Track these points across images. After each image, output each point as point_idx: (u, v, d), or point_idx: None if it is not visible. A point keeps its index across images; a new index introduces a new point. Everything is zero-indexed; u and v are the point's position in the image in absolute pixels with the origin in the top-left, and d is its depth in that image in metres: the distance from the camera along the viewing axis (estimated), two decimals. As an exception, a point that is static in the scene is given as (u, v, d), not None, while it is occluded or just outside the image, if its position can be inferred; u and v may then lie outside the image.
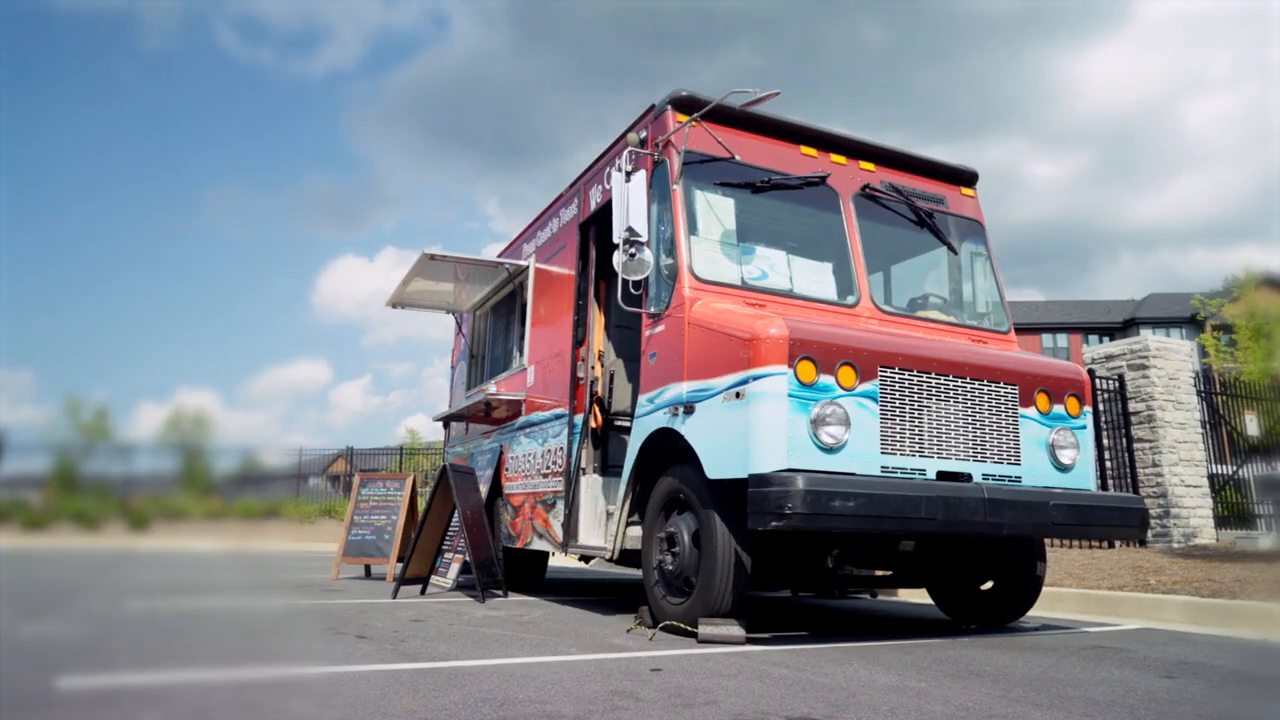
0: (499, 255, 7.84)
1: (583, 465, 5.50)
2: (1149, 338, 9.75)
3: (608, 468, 5.56)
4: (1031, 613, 5.04)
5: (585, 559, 6.38)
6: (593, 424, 5.51)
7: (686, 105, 4.71)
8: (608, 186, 5.18)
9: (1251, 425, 10.75)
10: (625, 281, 4.60)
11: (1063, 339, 40.43)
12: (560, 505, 5.60)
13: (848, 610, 6.14)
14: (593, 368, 5.57)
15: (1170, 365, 9.61)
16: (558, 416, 5.87)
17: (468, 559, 6.59)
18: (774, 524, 3.51)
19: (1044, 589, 4.98)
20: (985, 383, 4.27)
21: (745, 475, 3.72)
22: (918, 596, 6.84)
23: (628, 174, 4.47)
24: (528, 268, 6.88)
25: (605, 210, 5.20)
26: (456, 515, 6.35)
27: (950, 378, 4.17)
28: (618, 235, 4.40)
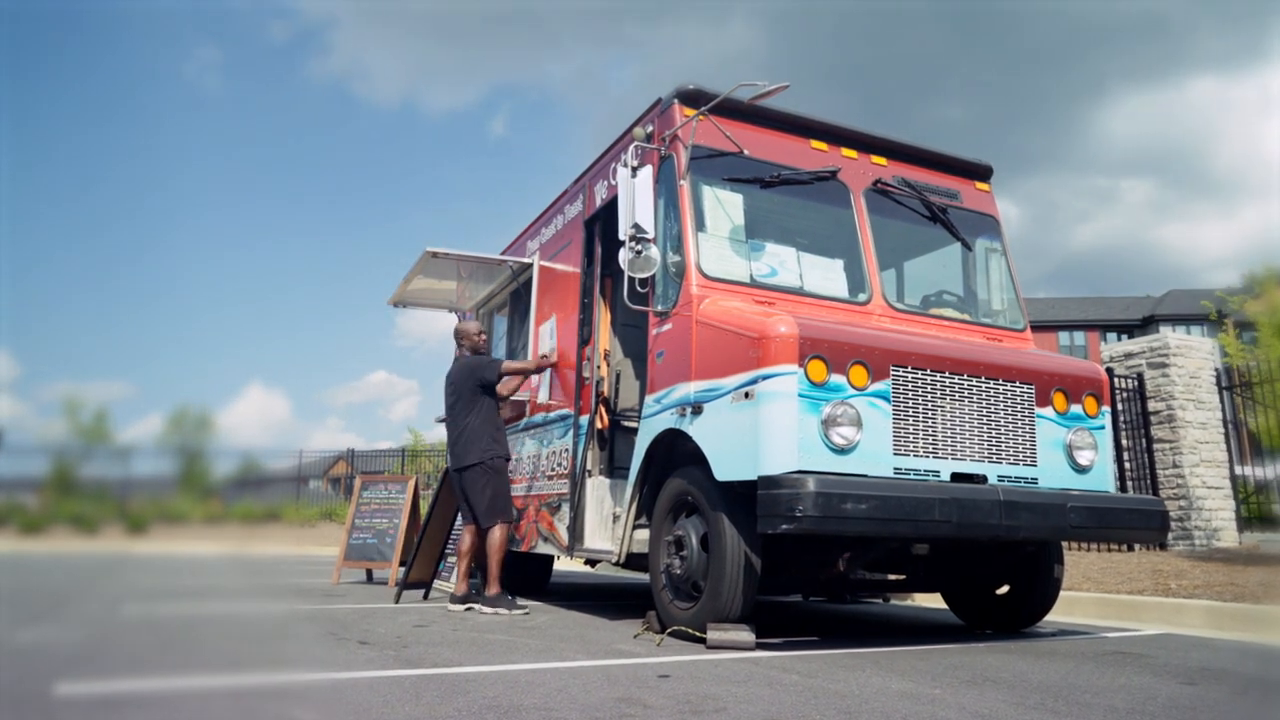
0: (502, 252, 7.78)
1: (588, 467, 5.44)
2: (1169, 335, 9.59)
3: (614, 469, 5.49)
4: (1049, 617, 4.96)
5: (591, 563, 6.31)
6: (598, 425, 5.44)
7: (693, 99, 4.64)
8: (613, 182, 5.11)
9: None
10: (631, 279, 4.52)
11: (1080, 337, 40.13)
12: (565, 508, 5.53)
13: (860, 615, 6.07)
14: (598, 367, 5.50)
15: (1191, 363, 9.45)
16: (562, 417, 5.81)
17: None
18: (784, 527, 3.46)
19: (1062, 593, 4.90)
20: (1001, 382, 4.19)
21: (755, 477, 3.66)
22: (932, 601, 6.74)
23: (634, 169, 4.39)
24: (532, 265, 6.82)
25: (611, 206, 5.14)
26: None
27: (965, 377, 4.09)
28: (624, 232, 4.33)
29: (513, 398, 6.66)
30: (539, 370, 6.10)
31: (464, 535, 5.86)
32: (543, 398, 6.23)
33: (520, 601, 5.73)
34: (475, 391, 5.76)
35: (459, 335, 6.09)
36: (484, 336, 6.19)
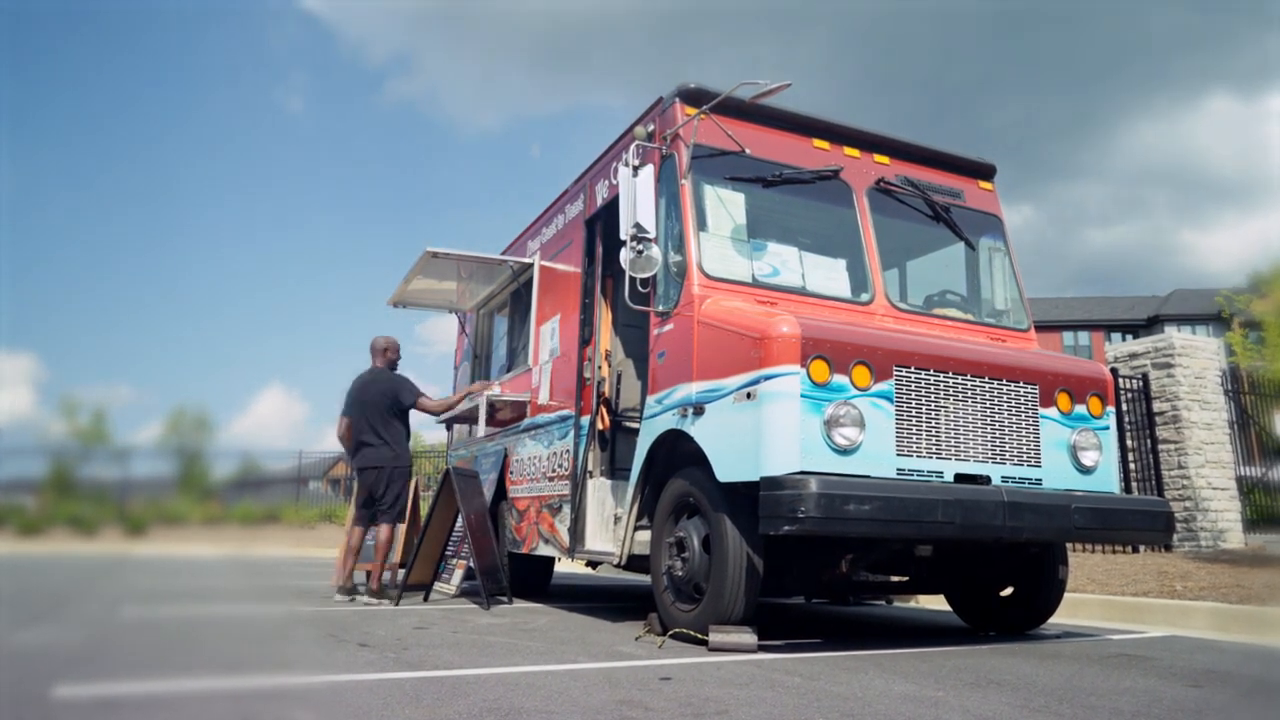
0: (502, 252, 7.76)
1: (589, 468, 5.42)
2: (1174, 335, 9.55)
3: (615, 470, 5.47)
4: (1053, 619, 4.93)
5: (592, 564, 6.29)
6: (600, 425, 5.42)
7: (695, 98, 4.62)
8: (614, 182, 5.10)
9: None
10: (633, 279, 4.50)
11: (1084, 337, 40.01)
12: (566, 509, 5.51)
13: (863, 617, 6.05)
14: (600, 368, 5.48)
15: (1196, 364, 9.41)
16: (563, 418, 5.79)
17: (471, 565, 6.50)
18: (786, 528, 3.44)
19: (1066, 595, 4.86)
20: (1004, 382, 4.16)
21: (757, 478, 3.64)
22: (935, 603, 6.71)
23: (635, 169, 4.38)
24: (532, 265, 6.80)
25: (612, 206, 5.12)
26: (460, 520, 6.27)
27: (968, 377, 4.07)
28: (625, 231, 4.32)
29: (512, 397, 6.65)
30: (452, 408, 6.72)
31: (357, 531, 6.27)
32: (543, 398, 6.22)
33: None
34: (392, 409, 6.25)
35: (385, 349, 6.42)
36: (395, 353, 6.55)
